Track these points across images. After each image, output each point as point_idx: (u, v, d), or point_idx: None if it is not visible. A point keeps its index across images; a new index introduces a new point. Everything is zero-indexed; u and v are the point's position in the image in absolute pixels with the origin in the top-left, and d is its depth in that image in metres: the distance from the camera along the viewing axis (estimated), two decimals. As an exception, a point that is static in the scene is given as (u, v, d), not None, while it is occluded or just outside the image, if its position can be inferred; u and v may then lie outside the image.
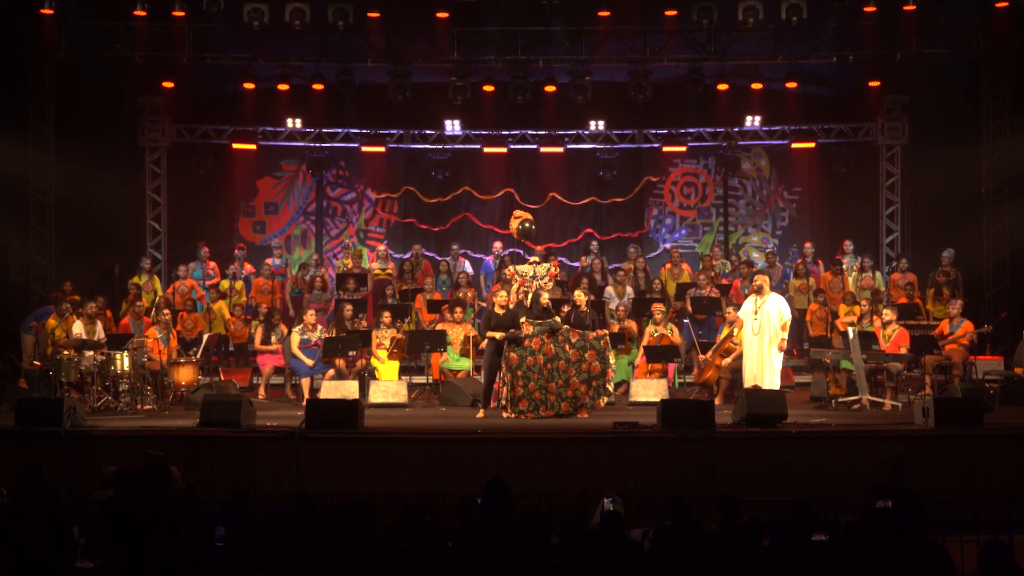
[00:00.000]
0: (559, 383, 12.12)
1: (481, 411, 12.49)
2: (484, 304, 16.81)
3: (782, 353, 12.70)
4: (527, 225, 12.95)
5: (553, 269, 12.87)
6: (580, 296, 13.09)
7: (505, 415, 12.10)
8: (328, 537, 6.53)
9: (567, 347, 12.18)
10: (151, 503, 7.34)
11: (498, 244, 17.89)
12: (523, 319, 12.36)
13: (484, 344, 12.62)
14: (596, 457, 10.64)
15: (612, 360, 12.46)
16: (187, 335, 15.20)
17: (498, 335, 12.34)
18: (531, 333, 12.19)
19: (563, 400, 12.14)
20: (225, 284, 16.47)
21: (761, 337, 12.55)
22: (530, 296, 12.61)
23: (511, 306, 12.59)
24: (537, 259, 13.06)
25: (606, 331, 12.81)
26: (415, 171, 18.79)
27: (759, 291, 12.75)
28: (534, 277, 12.74)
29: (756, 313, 12.62)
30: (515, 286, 12.97)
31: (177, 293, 16.24)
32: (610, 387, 12.45)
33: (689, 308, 15.49)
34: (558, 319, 12.45)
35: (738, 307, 13.57)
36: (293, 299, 16.76)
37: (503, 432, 11.22)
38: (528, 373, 12.10)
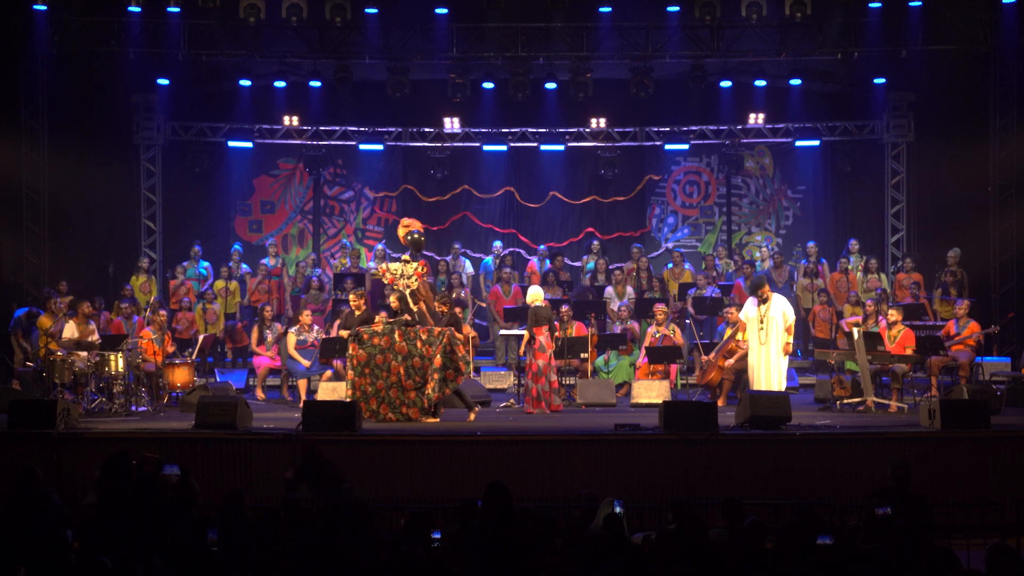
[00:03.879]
0: (416, 380, 11.88)
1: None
2: (483, 304, 16.70)
3: (787, 356, 12.51)
4: (416, 236, 12.83)
5: (420, 269, 12.71)
6: (439, 305, 12.81)
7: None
8: (323, 540, 6.43)
9: (419, 344, 11.97)
10: (142, 504, 7.26)
11: (498, 243, 17.74)
12: (378, 316, 12.27)
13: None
14: (597, 459, 10.55)
15: (462, 353, 12.18)
16: (182, 336, 15.03)
17: (344, 334, 12.31)
18: (380, 331, 12.03)
19: (419, 405, 11.90)
20: (220, 284, 16.31)
21: (768, 346, 12.39)
22: (395, 294, 12.45)
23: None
24: (408, 258, 12.96)
25: (448, 329, 12.30)
26: (414, 169, 18.64)
27: (763, 298, 12.57)
28: (402, 275, 12.55)
29: (761, 321, 12.43)
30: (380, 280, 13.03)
31: (173, 293, 16.09)
32: (452, 385, 12.12)
33: (690, 308, 15.36)
34: (408, 317, 12.24)
35: (741, 307, 13.43)
36: (292, 299, 16.61)
37: (503, 434, 11.12)
38: (376, 371, 11.93)
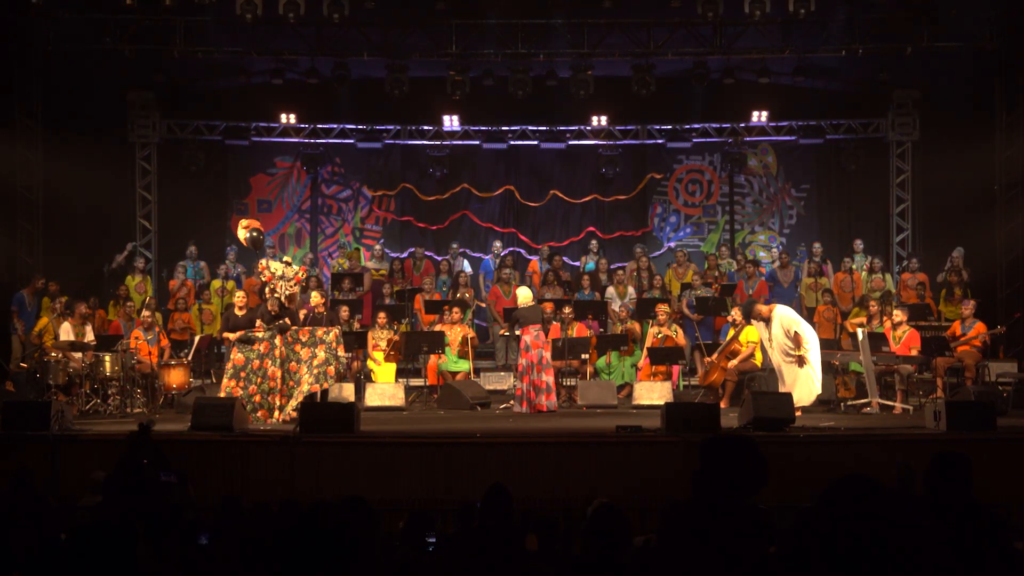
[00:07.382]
0: (291, 385, 11.77)
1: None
2: (483, 304, 16.55)
3: (810, 358, 12.07)
4: (255, 234, 12.72)
5: (300, 274, 12.63)
6: (316, 297, 12.75)
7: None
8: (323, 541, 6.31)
9: (297, 347, 11.85)
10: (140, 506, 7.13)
11: (498, 243, 17.59)
12: (258, 321, 12.14)
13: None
14: (598, 461, 10.41)
15: (342, 354, 12.10)
16: (178, 336, 14.90)
17: (232, 336, 12.15)
18: (262, 337, 11.90)
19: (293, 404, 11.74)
20: (216, 284, 16.16)
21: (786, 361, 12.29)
22: (272, 295, 12.29)
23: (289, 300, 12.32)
24: (289, 260, 12.84)
25: (337, 328, 12.36)
26: (413, 168, 18.49)
27: (762, 319, 12.42)
28: (282, 277, 12.41)
29: (770, 341, 12.26)
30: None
31: (173, 293, 15.98)
32: (330, 381, 12.01)
33: (684, 310, 15.23)
34: (287, 321, 12.10)
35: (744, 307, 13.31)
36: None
37: (503, 436, 11.02)
38: (251, 376, 11.78)
